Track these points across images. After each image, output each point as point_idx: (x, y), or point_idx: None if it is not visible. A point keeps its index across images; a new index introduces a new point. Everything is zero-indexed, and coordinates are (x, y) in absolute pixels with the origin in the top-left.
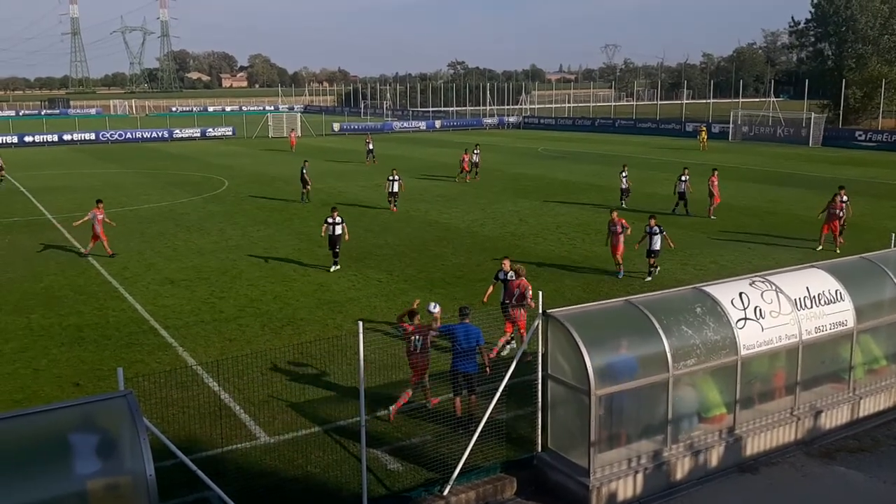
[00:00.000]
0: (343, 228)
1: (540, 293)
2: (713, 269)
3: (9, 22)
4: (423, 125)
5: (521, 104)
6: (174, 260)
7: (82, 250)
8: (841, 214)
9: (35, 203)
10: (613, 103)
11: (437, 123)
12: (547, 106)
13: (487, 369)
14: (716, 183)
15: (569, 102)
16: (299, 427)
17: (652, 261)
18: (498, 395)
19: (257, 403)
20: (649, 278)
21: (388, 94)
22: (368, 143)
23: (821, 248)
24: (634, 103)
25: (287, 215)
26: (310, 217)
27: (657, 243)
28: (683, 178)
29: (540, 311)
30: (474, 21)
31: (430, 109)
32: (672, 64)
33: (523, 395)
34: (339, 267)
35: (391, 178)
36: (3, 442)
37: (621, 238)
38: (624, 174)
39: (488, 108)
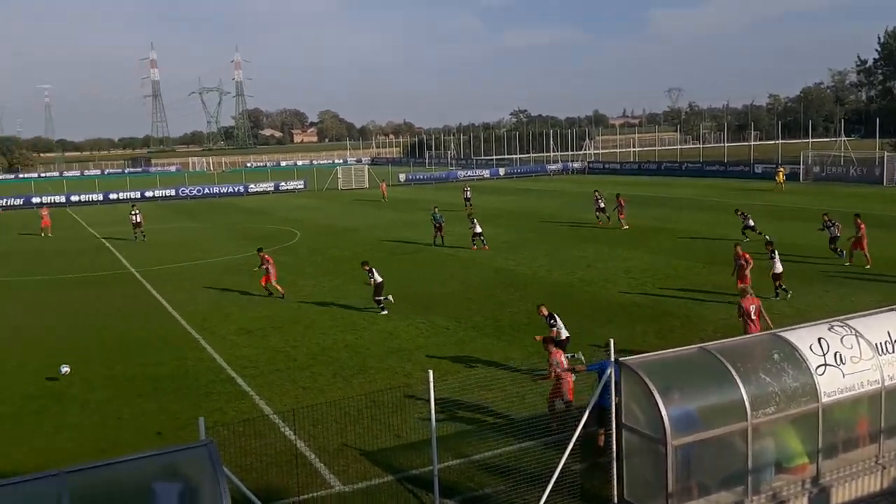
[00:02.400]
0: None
1: (611, 341)
2: (789, 314)
3: (94, 85)
4: (486, 173)
5: (584, 149)
6: (249, 310)
7: (279, 292)
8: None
9: (119, 257)
10: (679, 146)
11: (501, 171)
12: (611, 151)
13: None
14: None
15: (634, 147)
16: (372, 476)
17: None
18: (571, 445)
19: (331, 452)
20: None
21: (452, 144)
22: (466, 191)
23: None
24: (701, 146)
25: (356, 265)
26: (377, 265)
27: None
28: (832, 222)
29: (612, 358)
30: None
31: (494, 157)
32: (738, 106)
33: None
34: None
35: (472, 220)
36: (92, 489)
37: (747, 269)
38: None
39: (552, 154)
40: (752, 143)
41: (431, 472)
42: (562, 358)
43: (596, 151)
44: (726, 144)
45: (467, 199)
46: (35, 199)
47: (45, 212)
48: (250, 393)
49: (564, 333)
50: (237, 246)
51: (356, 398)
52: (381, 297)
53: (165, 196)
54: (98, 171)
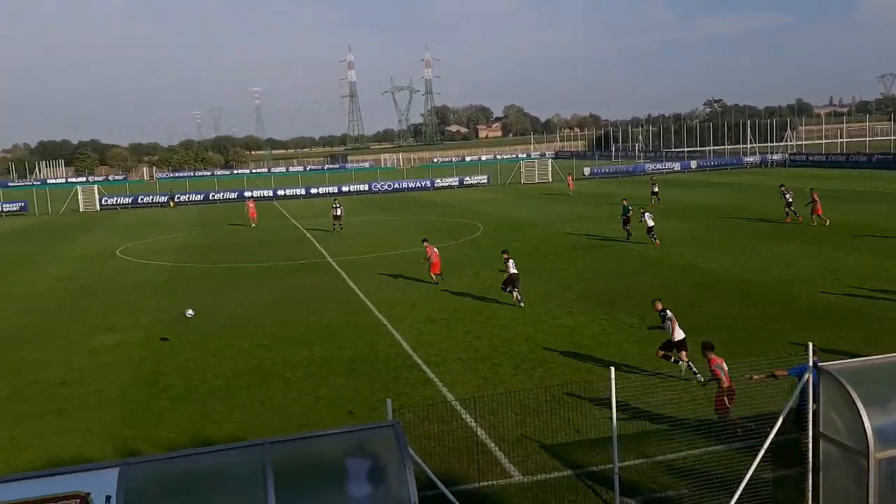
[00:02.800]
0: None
1: (810, 344)
2: None
3: (300, 89)
4: (677, 166)
5: (785, 140)
6: (434, 300)
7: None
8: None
9: (318, 247)
10: (894, 137)
11: (693, 164)
12: (816, 142)
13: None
14: None
15: (841, 137)
16: (551, 469)
17: None
18: (762, 452)
19: (511, 442)
20: None
21: (640, 136)
22: (654, 185)
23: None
24: None
25: (538, 259)
26: (559, 260)
27: None
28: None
29: (810, 363)
30: (731, 58)
31: (685, 150)
32: None
33: (791, 453)
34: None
35: (643, 213)
36: (292, 460)
37: None
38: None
39: (748, 146)
40: None
41: (612, 469)
42: (722, 364)
43: (798, 143)
44: None
45: (654, 193)
46: (247, 193)
47: (251, 204)
48: (434, 379)
49: (679, 334)
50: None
51: (536, 391)
52: (511, 289)
53: (360, 191)
54: (301, 168)
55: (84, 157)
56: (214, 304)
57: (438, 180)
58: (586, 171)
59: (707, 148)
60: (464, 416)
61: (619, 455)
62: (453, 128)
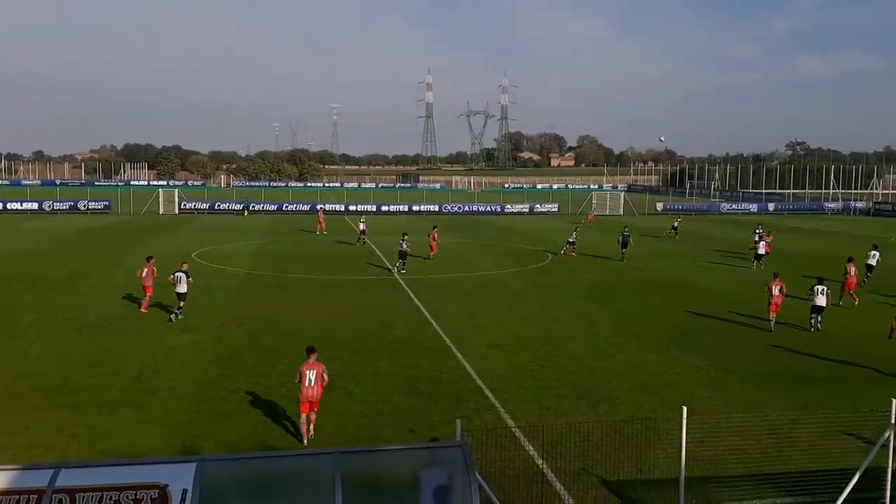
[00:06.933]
0: None
1: (893, 401)
2: None
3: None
4: (754, 207)
5: (871, 188)
6: (501, 325)
7: None
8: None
9: (387, 264)
10: None
11: (771, 206)
12: None
13: None
14: None
15: None
16: None
17: None
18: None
19: (571, 474)
20: None
21: (717, 175)
22: (676, 221)
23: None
24: None
25: (609, 292)
26: (629, 295)
27: None
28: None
29: (892, 420)
30: (818, 100)
31: (763, 191)
32: None
33: None
34: None
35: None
36: (360, 471)
37: None
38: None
39: (831, 191)
40: None
41: None
42: None
43: (886, 191)
44: None
45: (674, 227)
46: (318, 206)
47: (321, 215)
48: (496, 405)
49: None
50: (492, 263)
51: (599, 424)
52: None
53: (430, 211)
54: (373, 185)
55: (167, 161)
56: (283, 312)
57: (509, 206)
58: (659, 206)
59: (787, 191)
60: (525, 445)
61: (684, 498)
62: (526, 154)
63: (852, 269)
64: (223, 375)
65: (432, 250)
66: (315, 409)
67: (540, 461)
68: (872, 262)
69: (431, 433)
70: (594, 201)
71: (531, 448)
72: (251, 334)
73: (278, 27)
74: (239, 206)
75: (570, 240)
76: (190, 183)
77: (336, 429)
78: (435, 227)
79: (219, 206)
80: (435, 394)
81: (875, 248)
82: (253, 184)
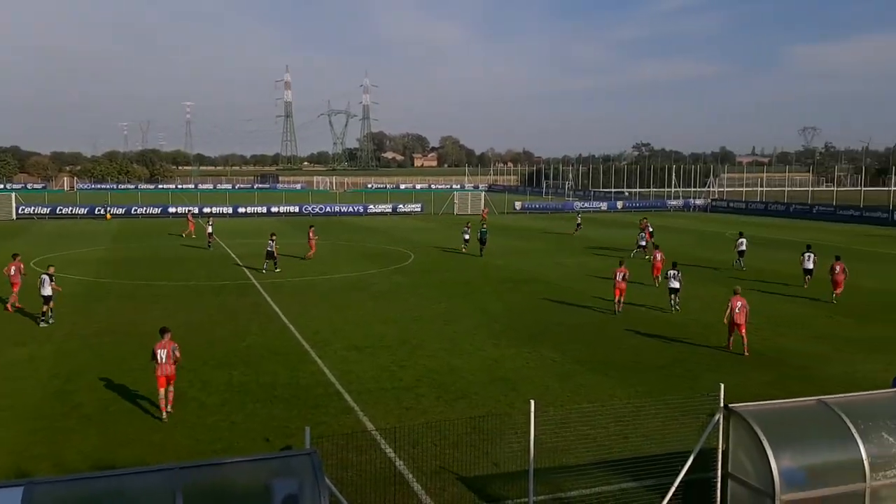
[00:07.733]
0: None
1: (721, 385)
2: None
3: (232, 106)
4: (604, 206)
5: (708, 186)
6: (361, 327)
7: None
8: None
9: (242, 268)
10: (811, 188)
11: (619, 204)
12: (737, 189)
13: None
14: None
15: (761, 186)
16: (467, 501)
17: None
18: (672, 490)
19: (428, 473)
20: None
21: (571, 175)
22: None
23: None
24: (835, 189)
25: (468, 289)
26: (490, 291)
27: None
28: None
29: (721, 404)
30: (661, 103)
31: (613, 190)
32: (879, 148)
33: (701, 492)
34: None
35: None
36: (203, 486)
37: None
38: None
39: (673, 189)
40: (894, 188)
41: (527, 502)
42: None
43: (721, 189)
44: (864, 189)
45: (578, 225)
46: (171, 209)
47: (191, 217)
48: (355, 408)
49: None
50: (353, 264)
51: (457, 422)
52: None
53: (290, 212)
54: (229, 186)
55: (3, 162)
56: (129, 323)
57: (372, 206)
58: (517, 205)
59: (634, 190)
60: (383, 447)
61: (534, 489)
62: (389, 154)
63: (838, 268)
64: (64, 391)
65: (311, 249)
66: (172, 385)
67: (399, 462)
68: (742, 248)
69: (288, 441)
70: (456, 201)
71: (389, 450)
72: (94, 346)
73: (124, 19)
74: (83, 210)
75: (641, 243)
76: (29, 186)
77: (189, 442)
78: (311, 227)
79: (61, 210)
80: (292, 400)
81: (741, 235)
82: (99, 186)
